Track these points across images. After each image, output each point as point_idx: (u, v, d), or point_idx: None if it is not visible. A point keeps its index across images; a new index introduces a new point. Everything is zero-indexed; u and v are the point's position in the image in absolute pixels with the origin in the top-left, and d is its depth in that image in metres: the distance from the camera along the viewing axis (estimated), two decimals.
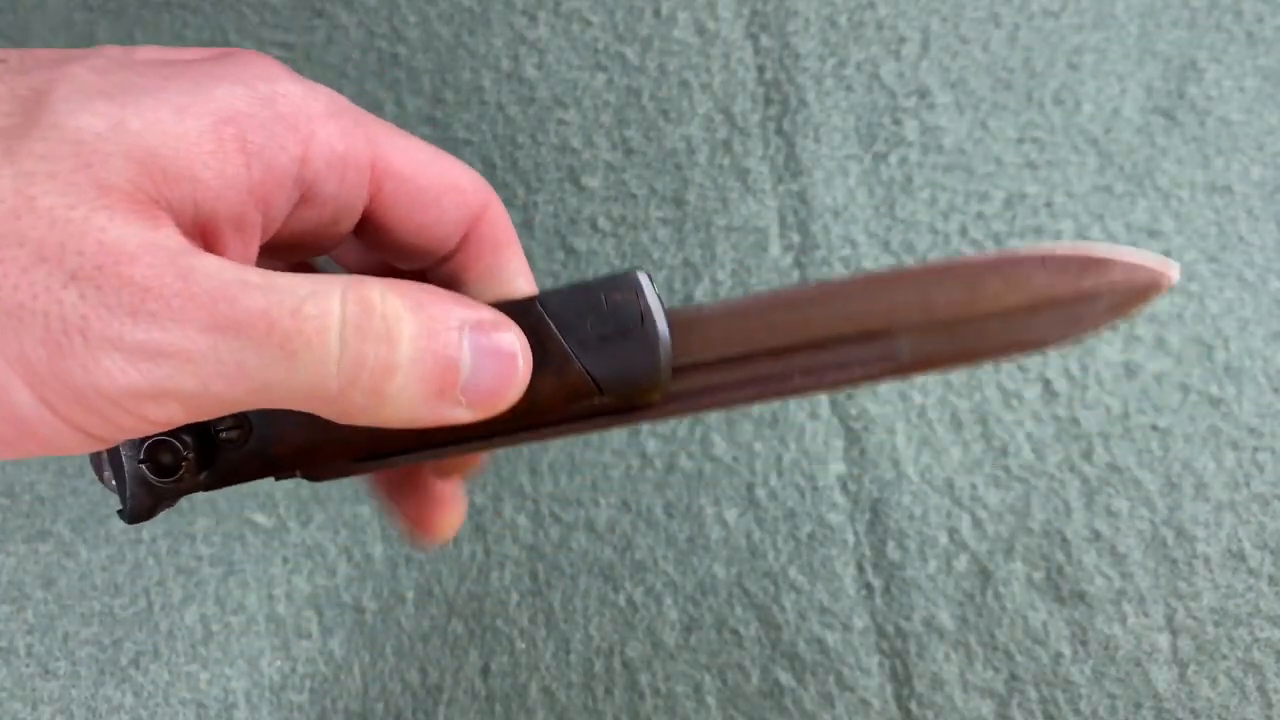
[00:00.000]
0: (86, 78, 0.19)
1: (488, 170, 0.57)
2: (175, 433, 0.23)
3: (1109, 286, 0.23)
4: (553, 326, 0.22)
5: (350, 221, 0.23)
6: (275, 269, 0.20)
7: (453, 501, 0.28)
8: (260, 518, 0.51)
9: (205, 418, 0.19)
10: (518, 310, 0.22)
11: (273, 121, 0.21)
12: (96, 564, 0.51)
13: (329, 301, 0.19)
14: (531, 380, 0.22)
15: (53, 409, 0.18)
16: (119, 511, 0.23)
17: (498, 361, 0.21)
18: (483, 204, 0.25)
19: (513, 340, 0.22)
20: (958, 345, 0.23)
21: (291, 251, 0.24)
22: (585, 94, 0.58)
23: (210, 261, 0.18)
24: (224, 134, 0.20)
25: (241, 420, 0.23)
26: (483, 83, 0.59)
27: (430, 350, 0.20)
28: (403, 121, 0.58)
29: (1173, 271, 0.23)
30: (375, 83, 0.59)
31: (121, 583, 0.51)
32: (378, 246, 0.25)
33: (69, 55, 0.20)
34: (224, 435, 0.23)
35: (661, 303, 0.23)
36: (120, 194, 0.18)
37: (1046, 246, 0.23)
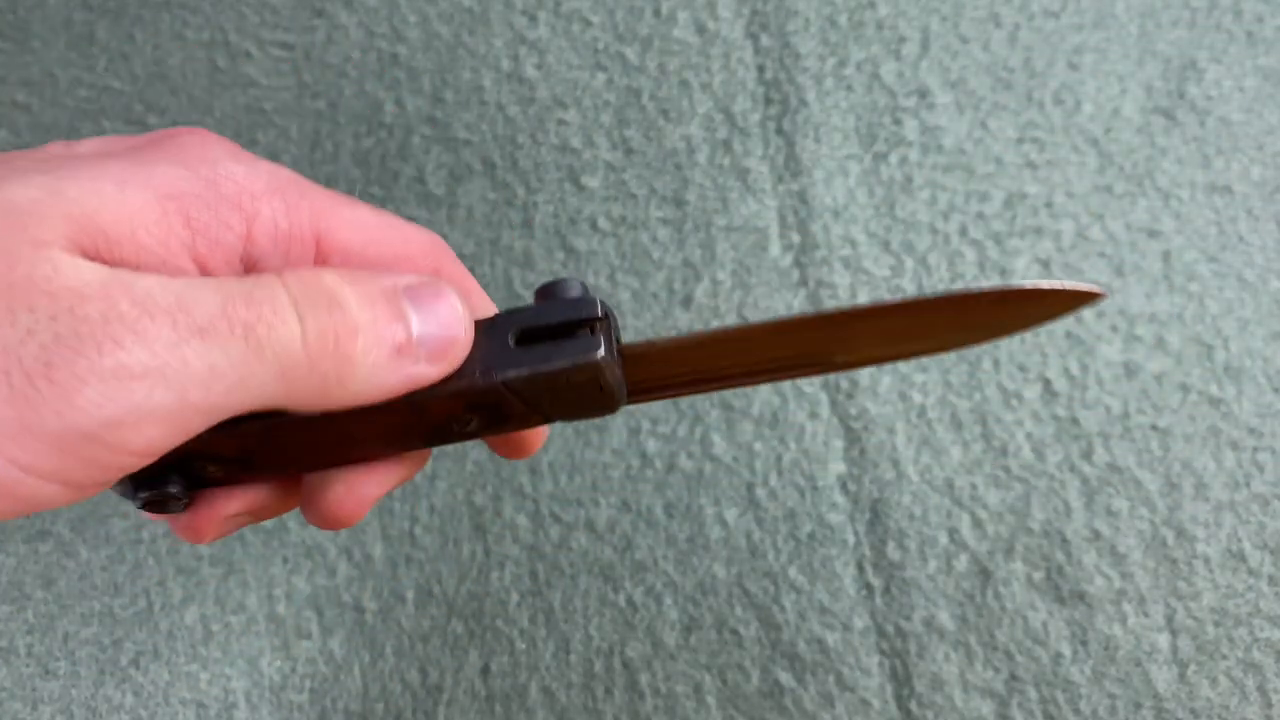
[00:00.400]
0: (24, 163, 0.19)
1: (487, 170, 0.57)
2: (163, 481, 0.23)
3: (1032, 312, 0.24)
4: (516, 403, 0.23)
5: None
6: None
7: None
8: None
9: (186, 436, 0.19)
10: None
11: (216, 201, 0.21)
12: (96, 564, 0.51)
13: (274, 286, 0.19)
14: (484, 417, 0.23)
15: (27, 468, 0.18)
16: None
17: (439, 311, 0.22)
18: (435, 269, 0.25)
19: (445, 288, 0.22)
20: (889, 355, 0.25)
21: None
22: (585, 94, 0.58)
23: (154, 280, 0.19)
24: (168, 207, 0.20)
25: (224, 456, 0.23)
26: (483, 83, 0.59)
27: (379, 310, 0.21)
28: (403, 122, 0.58)
29: (1100, 292, 0.24)
30: (375, 83, 0.59)
31: (122, 583, 0.51)
32: None
33: (9, 155, 0.20)
34: (210, 471, 0.23)
35: (617, 349, 0.23)
36: (58, 247, 0.18)
37: (972, 289, 0.24)
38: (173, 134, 0.21)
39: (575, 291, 0.23)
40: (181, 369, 0.18)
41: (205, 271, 0.21)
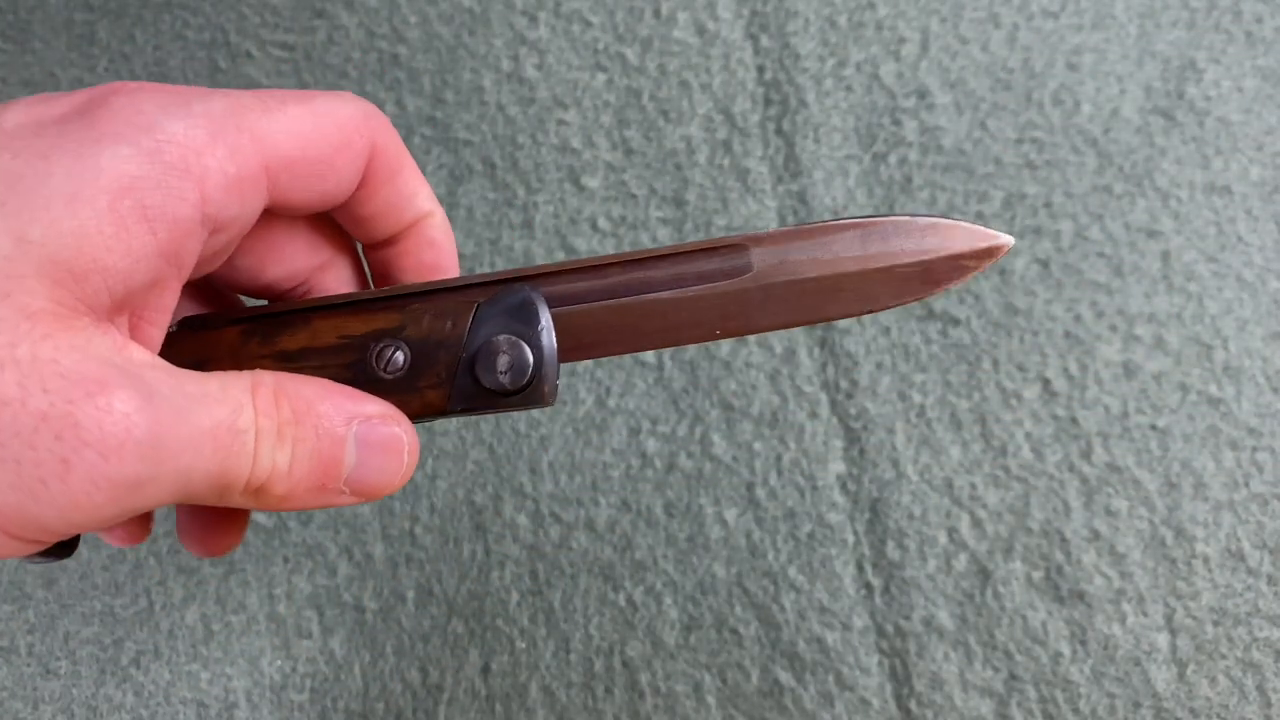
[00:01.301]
0: None
1: (487, 170, 0.57)
2: None
3: (949, 253, 0.25)
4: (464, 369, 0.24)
5: (253, 220, 0.24)
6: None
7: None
8: (261, 517, 0.51)
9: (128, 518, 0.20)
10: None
11: (165, 176, 0.21)
12: (97, 563, 0.51)
13: (247, 413, 0.21)
14: (425, 394, 0.24)
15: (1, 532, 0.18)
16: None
17: (384, 455, 0.23)
18: (369, 144, 0.25)
19: (399, 435, 0.23)
20: (805, 285, 0.25)
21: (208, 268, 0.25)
22: (585, 94, 0.58)
23: (152, 372, 0.20)
24: (121, 209, 0.20)
25: None
26: (483, 83, 0.59)
27: (317, 451, 0.22)
28: (403, 122, 0.58)
29: (1007, 241, 0.25)
30: (375, 83, 0.59)
31: (122, 582, 0.51)
32: (282, 211, 0.25)
33: None
34: None
35: (550, 344, 0.24)
36: (48, 315, 0.18)
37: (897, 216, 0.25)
38: (102, 98, 0.21)
39: (530, 335, 0.24)
40: (171, 477, 0.19)
41: (170, 253, 0.21)
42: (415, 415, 0.24)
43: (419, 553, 0.50)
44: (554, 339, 0.24)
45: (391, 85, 0.59)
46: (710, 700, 0.47)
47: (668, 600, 0.48)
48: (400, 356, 0.24)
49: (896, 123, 0.55)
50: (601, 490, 0.50)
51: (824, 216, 0.54)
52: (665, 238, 0.54)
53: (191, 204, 0.21)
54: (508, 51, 0.59)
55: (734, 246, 0.25)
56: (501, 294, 0.24)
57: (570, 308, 0.25)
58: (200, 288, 0.28)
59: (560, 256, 0.54)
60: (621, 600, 0.48)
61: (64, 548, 0.24)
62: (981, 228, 0.25)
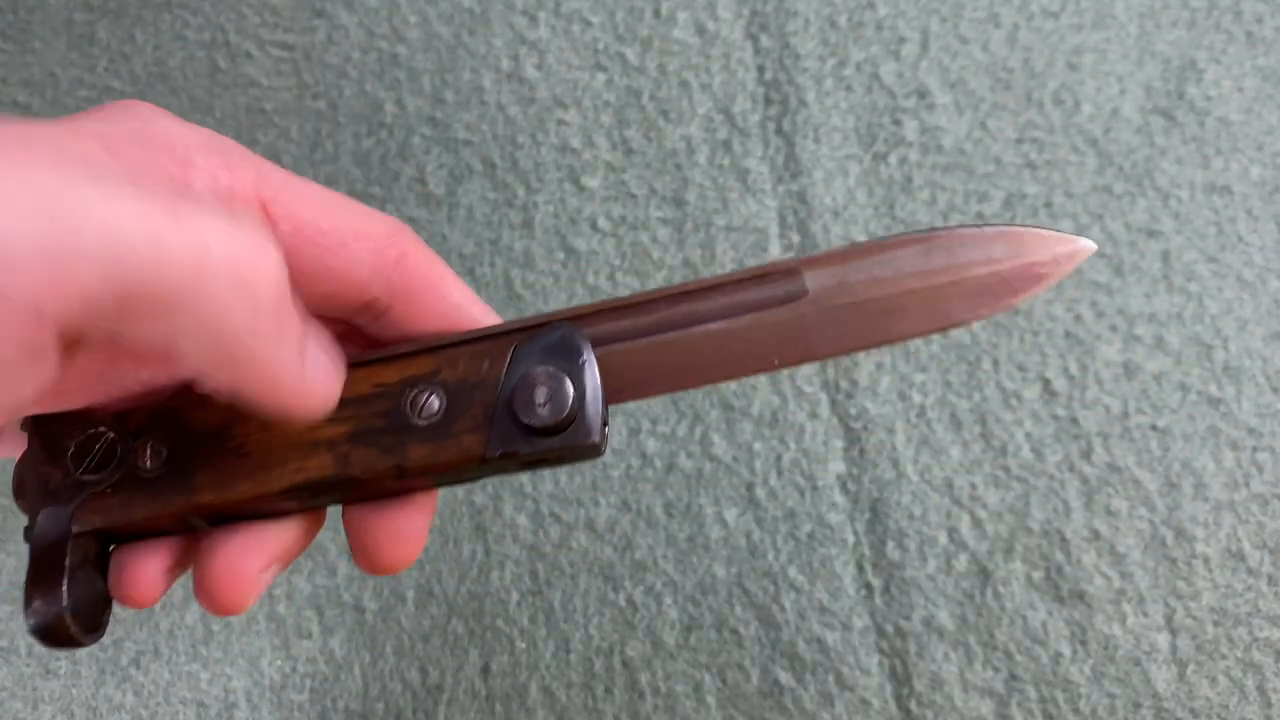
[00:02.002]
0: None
1: (487, 170, 0.57)
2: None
3: (1026, 263, 0.23)
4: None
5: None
6: None
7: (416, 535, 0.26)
8: None
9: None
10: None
11: (146, 147, 0.20)
12: None
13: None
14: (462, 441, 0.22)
15: None
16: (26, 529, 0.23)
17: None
18: (397, 248, 0.23)
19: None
20: (868, 313, 0.24)
21: None
22: (585, 94, 0.58)
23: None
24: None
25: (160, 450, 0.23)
26: (483, 83, 0.59)
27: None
28: (403, 122, 0.58)
29: (1086, 246, 0.24)
30: (375, 83, 0.59)
31: None
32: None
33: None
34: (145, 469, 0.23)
35: (600, 394, 0.23)
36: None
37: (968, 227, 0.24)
38: (100, 107, 0.21)
39: (574, 386, 0.22)
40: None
41: None
42: (453, 464, 0.22)
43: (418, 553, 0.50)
44: (597, 374, 0.22)
45: (391, 85, 0.59)
46: (710, 700, 0.47)
47: (668, 600, 0.48)
48: (435, 401, 0.22)
49: (897, 123, 0.55)
50: (601, 490, 0.50)
51: (824, 216, 0.54)
52: (665, 238, 0.54)
53: (172, 176, 0.21)
54: (508, 51, 0.59)
55: (786, 272, 0.24)
56: (540, 334, 0.23)
57: (615, 346, 0.23)
58: None
59: (560, 256, 0.54)
60: (621, 600, 0.48)
61: (94, 629, 0.22)
62: (1056, 232, 0.24)
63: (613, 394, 0.23)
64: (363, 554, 0.24)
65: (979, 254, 0.24)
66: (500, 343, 0.23)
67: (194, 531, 0.24)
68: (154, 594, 0.23)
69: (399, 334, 0.24)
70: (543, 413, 0.22)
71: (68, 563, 0.21)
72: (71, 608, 0.21)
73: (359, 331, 0.26)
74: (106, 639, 0.50)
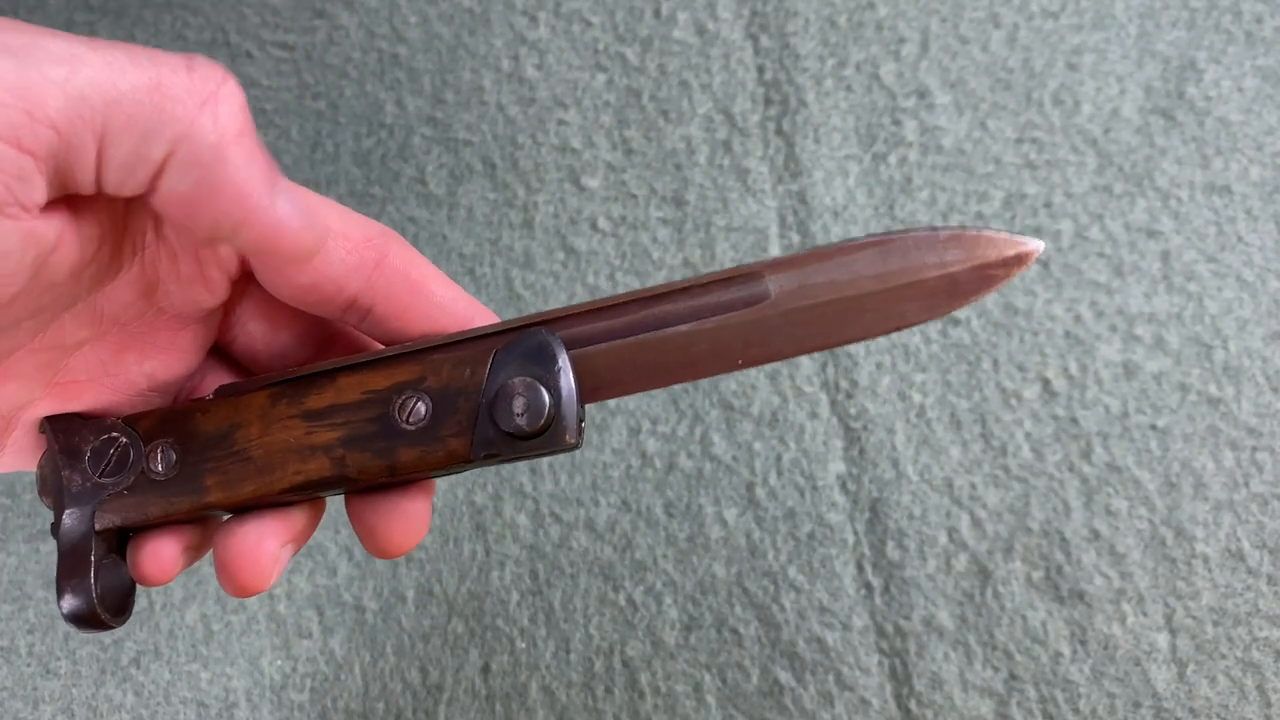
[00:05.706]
0: None
1: (487, 170, 0.57)
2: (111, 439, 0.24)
3: (975, 262, 0.24)
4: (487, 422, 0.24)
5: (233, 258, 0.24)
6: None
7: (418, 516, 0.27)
8: None
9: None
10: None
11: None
12: None
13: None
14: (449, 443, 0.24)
15: None
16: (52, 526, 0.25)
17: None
18: (377, 250, 0.25)
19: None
20: (826, 308, 0.25)
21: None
22: (585, 94, 0.58)
23: None
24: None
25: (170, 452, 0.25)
26: (483, 83, 0.59)
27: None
28: (403, 122, 0.58)
29: (1036, 246, 0.25)
30: (376, 83, 0.59)
31: None
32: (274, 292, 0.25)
33: None
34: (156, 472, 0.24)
35: (572, 390, 0.24)
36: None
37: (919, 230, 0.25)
38: None
39: (550, 389, 0.24)
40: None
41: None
42: (441, 465, 0.24)
43: (419, 553, 0.50)
44: (572, 379, 0.24)
45: (392, 85, 0.59)
46: (710, 700, 0.47)
47: (668, 600, 0.48)
48: (422, 407, 0.24)
49: (896, 123, 0.55)
50: (601, 490, 0.50)
51: (824, 216, 0.54)
52: (665, 238, 0.54)
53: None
54: (508, 51, 0.59)
55: (749, 275, 0.25)
56: (518, 339, 0.24)
57: (589, 348, 0.25)
58: (229, 360, 0.28)
59: (560, 256, 0.54)
60: (621, 600, 0.48)
61: (121, 611, 0.24)
62: (1007, 235, 0.25)
63: (588, 393, 0.25)
64: (370, 539, 0.26)
65: (933, 257, 0.24)
66: (481, 348, 0.24)
67: (208, 520, 0.26)
68: (171, 573, 0.25)
69: (386, 333, 0.26)
70: (520, 421, 0.23)
71: (93, 557, 0.24)
72: (100, 596, 0.23)
73: (347, 333, 0.27)
74: (107, 639, 0.50)
